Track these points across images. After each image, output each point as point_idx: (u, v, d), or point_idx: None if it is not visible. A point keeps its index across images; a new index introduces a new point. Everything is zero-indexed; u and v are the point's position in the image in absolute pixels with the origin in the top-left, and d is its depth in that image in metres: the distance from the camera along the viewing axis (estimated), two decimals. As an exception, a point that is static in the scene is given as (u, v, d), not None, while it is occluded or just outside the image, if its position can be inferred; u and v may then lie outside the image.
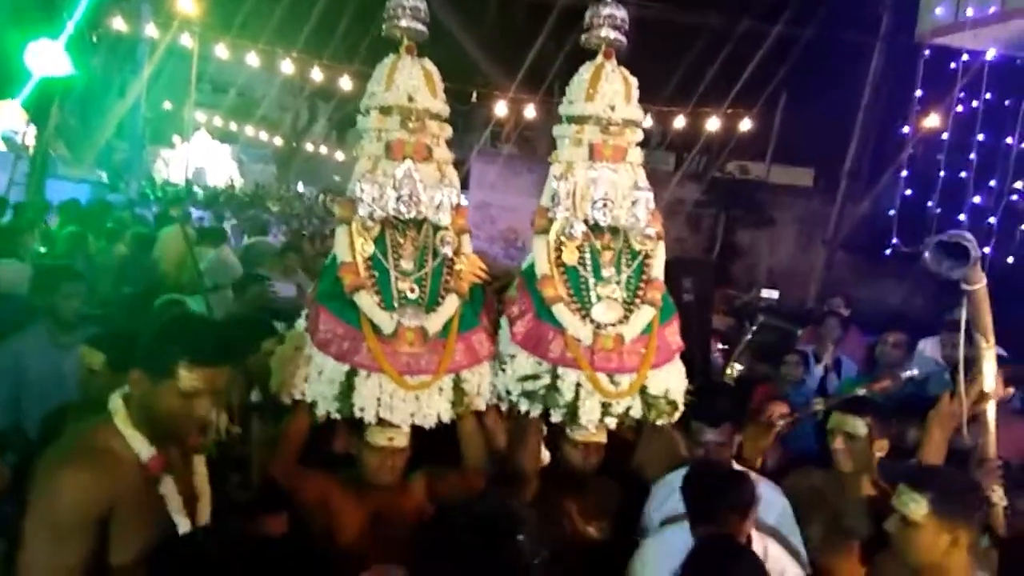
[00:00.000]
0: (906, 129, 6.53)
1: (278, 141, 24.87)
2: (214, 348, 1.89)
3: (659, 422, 2.67)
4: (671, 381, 2.72)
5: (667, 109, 12.41)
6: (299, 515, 2.34)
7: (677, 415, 2.72)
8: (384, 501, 2.49)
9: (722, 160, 15.15)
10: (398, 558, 1.90)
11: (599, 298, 2.65)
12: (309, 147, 25.50)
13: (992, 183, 6.19)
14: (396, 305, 2.52)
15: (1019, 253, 6.04)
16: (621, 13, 2.78)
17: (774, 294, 9.68)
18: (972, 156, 6.01)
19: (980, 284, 2.50)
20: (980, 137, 6.28)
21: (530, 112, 13.86)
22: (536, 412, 2.62)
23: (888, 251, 7.18)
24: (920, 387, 3.65)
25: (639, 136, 2.76)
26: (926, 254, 2.65)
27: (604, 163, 2.68)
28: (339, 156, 24.93)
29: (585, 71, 2.75)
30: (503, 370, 2.68)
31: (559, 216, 2.68)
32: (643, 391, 2.63)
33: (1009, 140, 6.10)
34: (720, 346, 5.29)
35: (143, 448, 1.87)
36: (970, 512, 2.12)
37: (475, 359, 2.64)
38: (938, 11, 6.03)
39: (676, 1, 11.69)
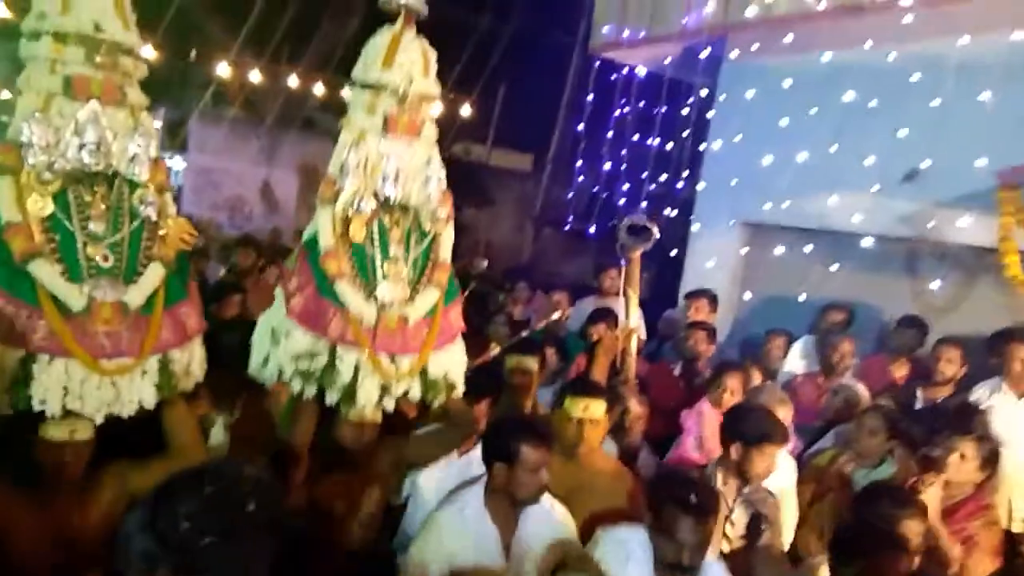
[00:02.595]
0: (581, 127, 7.76)
1: None
2: None
3: (436, 403, 2.65)
4: (451, 363, 2.69)
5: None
6: None
7: (456, 395, 2.72)
8: (66, 505, 2.16)
9: (449, 141, 16.11)
10: (85, 567, 1.77)
11: (385, 276, 2.54)
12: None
13: (643, 176, 7.64)
14: (86, 276, 2.17)
15: (663, 230, 7.55)
16: None
17: (484, 264, 10.76)
18: (624, 152, 7.42)
19: (636, 253, 3.65)
20: (635, 137, 7.69)
21: (258, 76, 13.49)
22: (311, 392, 2.48)
23: (567, 228, 8.53)
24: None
25: (435, 111, 2.65)
26: (620, 231, 3.79)
27: (398, 136, 2.53)
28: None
29: (382, 36, 2.56)
30: (275, 345, 2.53)
31: (347, 187, 2.51)
32: (423, 373, 2.59)
33: (652, 141, 7.55)
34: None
35: None
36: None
37: (184, 336, 2.39)
38: (604, 29, 7.19)
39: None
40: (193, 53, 13.01)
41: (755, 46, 6.03)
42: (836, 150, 5.42)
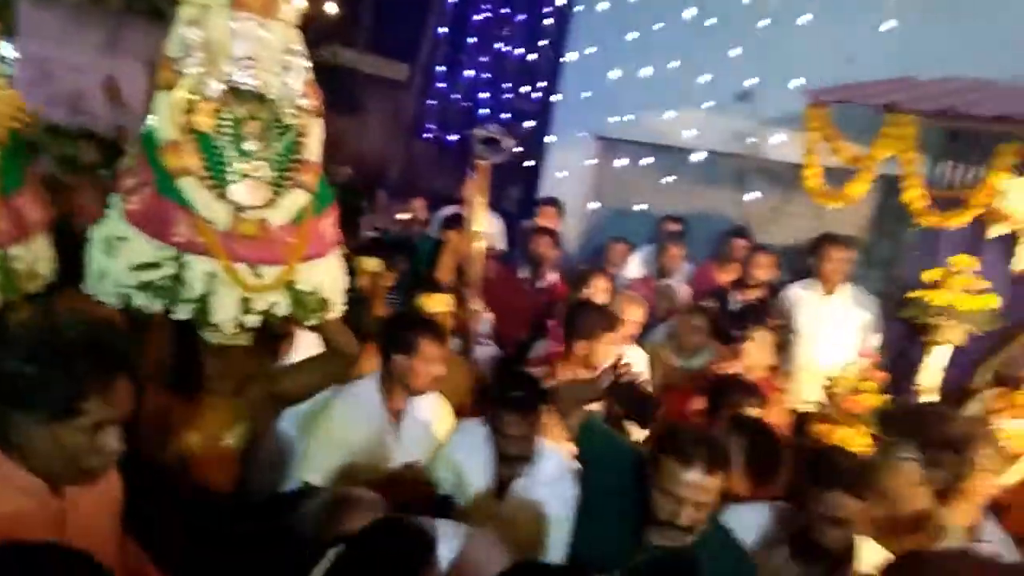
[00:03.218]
0: (442, 31, 7.66)
1: None
2: None
3: (309, 321, 2.39)
4: (326, 277, 2.42)
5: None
6: None
7: (331, 315, 2.44)
8: None
9: (314, 43, 15.33)
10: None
11: (241, 176, 2.23)
12: None
13: (505, 85, 7.70)
14: None
15: (521, 141, 7.71)
16: None
17: (348, 172, 10.57)
18: (485, 59, 7.45)
19: (486, 163, 3.76)
20: (497, 46, 7.69)
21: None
22: (156, 307, 2.18)
23: (428, 137, 8.54)
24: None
25: None
26: (476, 142, 3.87)
27: (249, 15, 2.22)
28: None
29: None
30: (112, 255, 2.21)
31: (189, 71, 2.20)
32: (290, 286, 2.31)
33: (518, 50, 7.58)
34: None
35: None
36: None
37: (24, 230, 2.17)
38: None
39: None
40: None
41: (608, -41, 6.13)
42: (675, 67, 5.70)
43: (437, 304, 3.21)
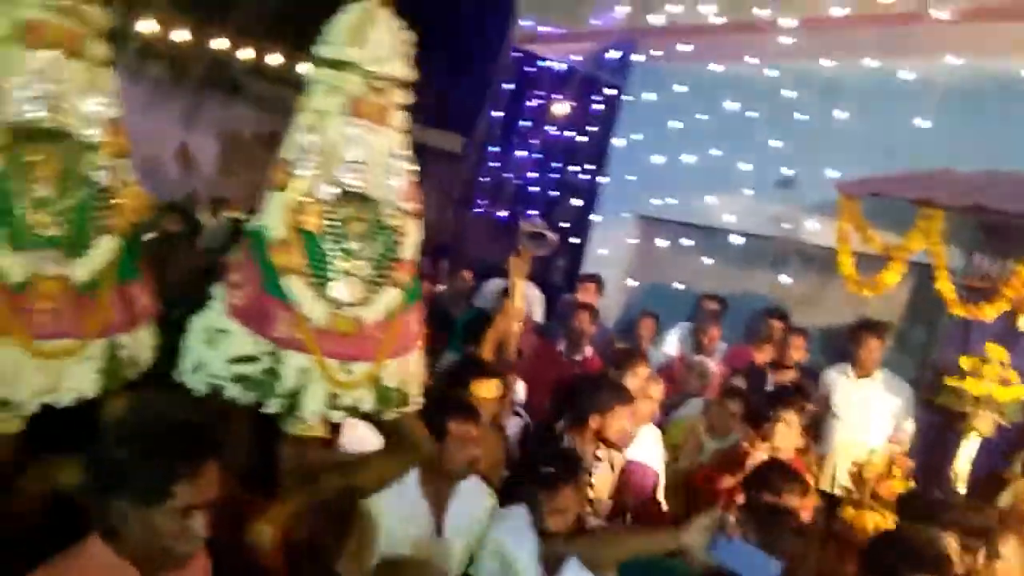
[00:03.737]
0: (499, 114, 8.13)
1: None
2: None
3: (389, 415, 2.40)
4: (408, 373, 2.46)
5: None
6: None
7: (408, 408, 2.46)
8: None
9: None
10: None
11: (342, 274, 2.29)
12: None
13: (554, 165, 8.08)
14: (28, 245, 1.91)
15: (568, 218, 7.98)
16: None
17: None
18: (536, 140, 7.86)
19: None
20: (549, 128, 8.11)
21: (184, 35, 13.25)
22: (247, 399, 2.21)
23: (476, 209, 8.95)
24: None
25: (407, 98, 2.42)
26: (522, 235, 4.13)
27: (364, 121, 2.30)
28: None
29: (353, 12, 2.35)
30: (211, 347, 2.24)
31: (302, 174, 2.27)
32: (376, 382, 2.34)
33: (568, 133, 7.98)
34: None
35: None
36: None
37: (134, 319, 2.16)
38: (526, 22, 7.55)
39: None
40: (118, 7, 12.73)
41: (658, 52, 6.50)
42: (717, 154, 5.95)
43: (489, 390, 3.21)
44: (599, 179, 7.31)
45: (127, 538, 1.50)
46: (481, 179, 8.71)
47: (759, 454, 3.69)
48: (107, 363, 2.04)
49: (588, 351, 5.02)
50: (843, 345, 4.85)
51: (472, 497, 2.71)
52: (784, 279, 5.73)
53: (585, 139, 7.81)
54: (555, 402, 4.19)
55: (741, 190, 5.89)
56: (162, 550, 1.53)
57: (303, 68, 2.50)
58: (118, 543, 1.51)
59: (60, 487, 1.91)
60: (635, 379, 3.96)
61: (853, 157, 5.10)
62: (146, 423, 1.55)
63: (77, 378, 1.98)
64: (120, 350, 2.09)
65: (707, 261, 6.15)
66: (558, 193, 8.01)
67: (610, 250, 6.80)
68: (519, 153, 7.61)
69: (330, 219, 2.30)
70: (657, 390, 3.96)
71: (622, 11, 6.55)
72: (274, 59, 10.66)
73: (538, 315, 5.69)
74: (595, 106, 7.64)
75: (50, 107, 1.93)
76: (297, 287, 2.20)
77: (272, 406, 2.22)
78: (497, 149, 8.46)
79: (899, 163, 4.75)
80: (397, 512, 2.53)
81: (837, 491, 4.35)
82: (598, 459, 3.31)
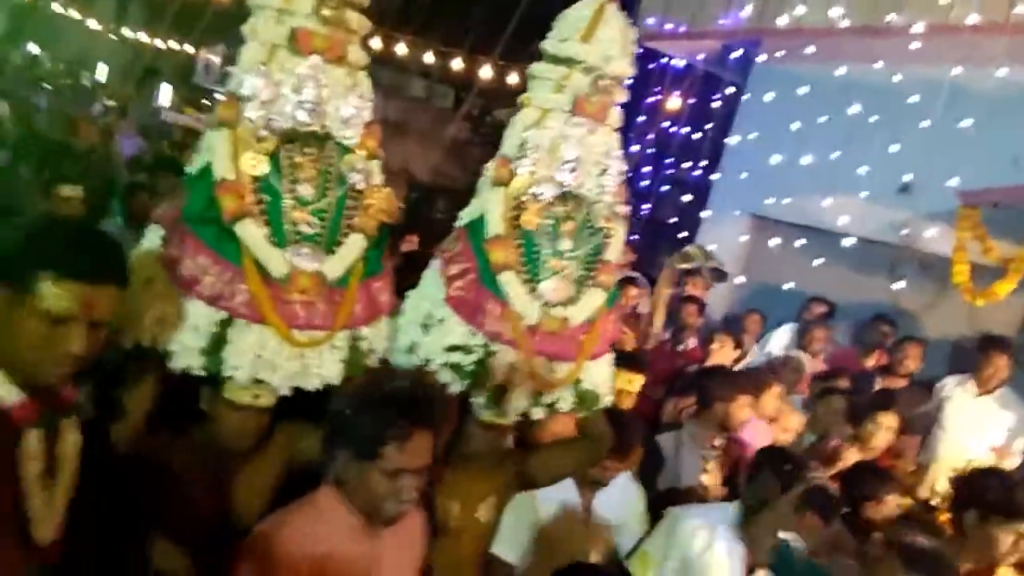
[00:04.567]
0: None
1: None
2: (92, 260, 1.43)
3: (581, 414, 2.42)
4: (605, 375, 2.48)
5: (447, 50, 13.62)
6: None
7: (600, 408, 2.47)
8: (238, 467, 2.08)
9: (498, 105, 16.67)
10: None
11: (552, 273, 2.31)
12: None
13: (667, 160, 8.24)
14: (289, 242, 2.04)
15: (679, 213, 8.14)
16: None
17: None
18: (651, 135, 8.06)
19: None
20: (666, 125, 8.28)
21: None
22: (458, 388, 2.26)
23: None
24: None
25: (625, 96, 2.41)
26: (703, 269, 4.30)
27: (583, 120, 2.30)
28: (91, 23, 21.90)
29: (585, 7, 2.34)
30: (426, 332, 2.30)
31: (523, 170, 2.29)
32: (576, 383, 2.36)
33: (683, 129, 8.13)
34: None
35: (3, 390, 1.39)
36: None
37: (375, 312, 2.23)
38: (650, 20, 7.74)
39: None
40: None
41: (781, 53, 6.56)
42: (836, 156, 5.99)
43: (632, 383, 3.26)
44: (712, 176, 7.44)
45: (350, 490, 1.68)
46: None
47: (851, 454, 3.84)
48: (350, 353, 2.15)
49: (692, 342, 5.23)
50: (960, 357, 4.82)
51: (623, 491, 2.74)
52: (898, 286, 5.73)
53: (700, 136, 7.93)
54: (666, 391, 4.43)
55: (858, 194, 5.90)
56: (374, 506, 1.67)
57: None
58: (344, 492, 1.69)
59: (299, 453, 2.12)
60: (771, 399, 4.03)
61: (976, 166, 5.05)
62: (371, 388, 1.75)
63: (325, 366, 2.09)
64: (361, 341, 2.19)
65: (819, 263, 6.20)
66: (669, 187, 8.17)
67: (720, 246, 6.92)
68: (633, 148, 7.80)
69: (545, 217, 2.32)
70: (796, 421, 4.07)
71: (748, 11, 6.65)
72: (400, 49, 11.22)
73: (644, 307, 5.94)
74: (714, 104, 7.75)
75: (315, 112, 2.03)
76: (512, 284, 2.24)
77: (479, 396, 2.29)
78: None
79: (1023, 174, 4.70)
80: (552, 500, 2.55)
81: (936, 500, 4.40)
82: (715, 447, 3.39)
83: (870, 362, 5.34)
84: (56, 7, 19.22)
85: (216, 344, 1.97)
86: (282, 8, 2.05)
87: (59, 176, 3.69)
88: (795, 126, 6.39)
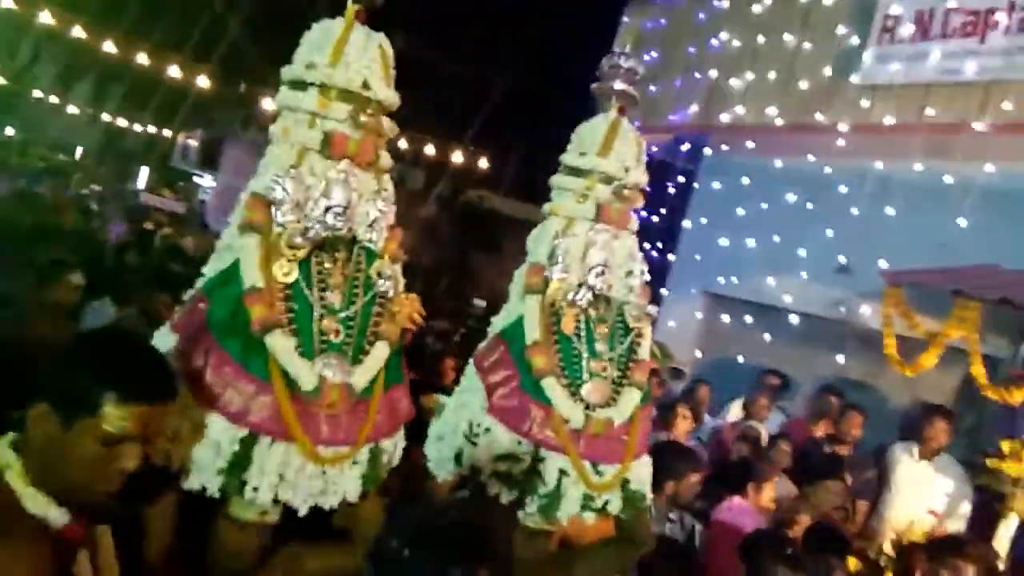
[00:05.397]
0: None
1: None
2: (153, 380, 1.45)
3: (624, 515, 2.39)
4: (647, 474, 2.49)
5: (420, 136, 14.32)
6: None
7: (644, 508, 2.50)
8: None
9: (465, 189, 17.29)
10: None
11: (591, 375, 2.35)
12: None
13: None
14: (316, 352, 1.93)
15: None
16: (640, 67, 2.65)
17: (483, 305, 11.78)
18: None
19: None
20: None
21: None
22: (508, 498, 2.26)
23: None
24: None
25: (641, 202, 2.56)
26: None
27: (607, 226, 2.44)
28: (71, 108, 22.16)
29: (601, 123, 2.52)
30: (473, 443, 2.32)
31: (556, 276, 2.37)
32: (624, 485, 2.37)
33: (641, 212, 8.66)
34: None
35: (54, 512, 1.38)
36: None
37: (396, 423, 2.15)
38: (608, 115, 8.37)
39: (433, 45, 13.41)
40: (243, 86, 14.43)
41: (726, 146, 7.19)
42: (778, 240, 6.53)
43: None
44: (670, 257, 7.94)
45: None
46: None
47: (802, 518, 4.14)
48: (370, 468, 2.04)
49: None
50: (908, 424, 5.19)
51: None
52: (840, 359, 6.16)
53: (657, 220, 8.47)
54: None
55: (799, 273, 6.42)
56: None
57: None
58: None
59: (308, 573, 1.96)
60: (768, 491, 4.13)
61: (903, 249, 5.58)
62: (432, 522, 1.79)
63: (345, 483, 1.97)
64: (382, 454, 2.08)
65: (767, 337, 6.65)
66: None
67: (678, 323, 7.38)
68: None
69: (581, 322, 2.38)
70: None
71: (692, 110, 7.30)
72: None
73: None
74: (669, 190, 8.33)
75: (343, 216, 1.97)
76: (555, 389, 2.26)
77: (531, 505, 2.27)
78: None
79: (950, 257, 5.20)
80: None
81: (883, 561, 4.69)
82: (671, 520, 3.55)
83: (819, 431, 5.70)
84: (36, 93, 19.77)
85: (237, 463, 1.84)
86: (317, 112, 2.04)
87: (65, 263, 3.83)
88: (740, 212, 6.95)
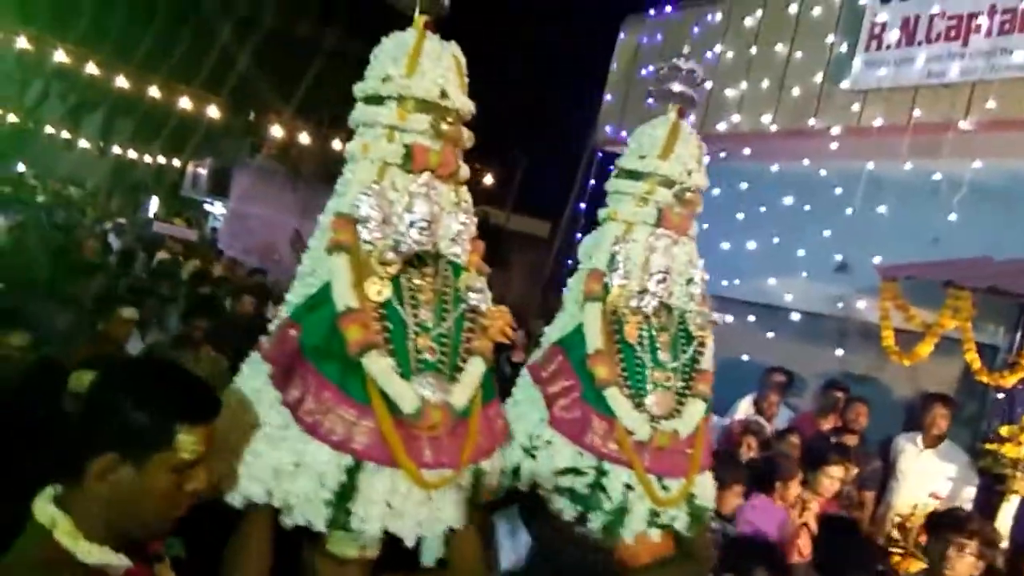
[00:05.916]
0: (582, 206, 9.13)
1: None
2: (206, 397, 1.45)
3: (690, 533, 2.26)
4: (711, 487, 2.38)
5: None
6: None
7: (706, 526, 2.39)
8: None
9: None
10: None
11: (655, 386, 2.24)
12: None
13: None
14: (413, 372, 1.85)
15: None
16: (700, 71, 2.57)
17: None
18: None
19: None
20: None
21: (306, 138, 15.16)
22: (571, 513, 2.16)
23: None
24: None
25: (701, 208, 2.49)
26: None
27: (668, 232, 2.36)
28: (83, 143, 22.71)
29: (659, 126, 2.45)
30: (533, 456, 2.20)
31: (617, 283, 2.29)
32: (690, 500, 2.25)
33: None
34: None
35: (114, 559, 1.33)
36: None
37: (495, 442, 2.04)
38: (607, 128, 8.62)
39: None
40: (251, 114, 14.81)
41: (723, 153, 7.41)
42: (777, 241, 6.75)
43: None
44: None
45: None
46: (567, 262, 9.64)
47: (812, 505, 4.32)
48: (472, 492, 1.92)
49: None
50: (913, 415, 5.39)
51: None
52: (840, 353, 6.34)
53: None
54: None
55: (799, 273, 6.63)
56: None
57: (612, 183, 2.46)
58: None
59: None
60: (794, 488, 4.26)
61: (897, 245, 5.79)
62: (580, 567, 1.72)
63: (449, 509, 1.85)
64: (483, 476, 1.97)
65: (770, 336, 6.83)
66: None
67: (684, 326, 7.55)
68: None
69: (643, 330, 2.28)
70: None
71: (691, 119, 7.52)
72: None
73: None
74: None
75: (427, 230, 1.90)
76: (618, 400, 2.15)
77: (596, 520, 2.15)
78: (580, 235, 9.39)
79: (942, 251, 5.41)
80: None
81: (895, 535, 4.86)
82: (712, 531, 3.49)
83: (826, 424, 5.88)
84: (48, 129, 20.23)
85: (344, 494, 1.73)
86: (395, 125, 1.98)
87: (114, 298, 3.80)
88: (740, 216, 7.17)
